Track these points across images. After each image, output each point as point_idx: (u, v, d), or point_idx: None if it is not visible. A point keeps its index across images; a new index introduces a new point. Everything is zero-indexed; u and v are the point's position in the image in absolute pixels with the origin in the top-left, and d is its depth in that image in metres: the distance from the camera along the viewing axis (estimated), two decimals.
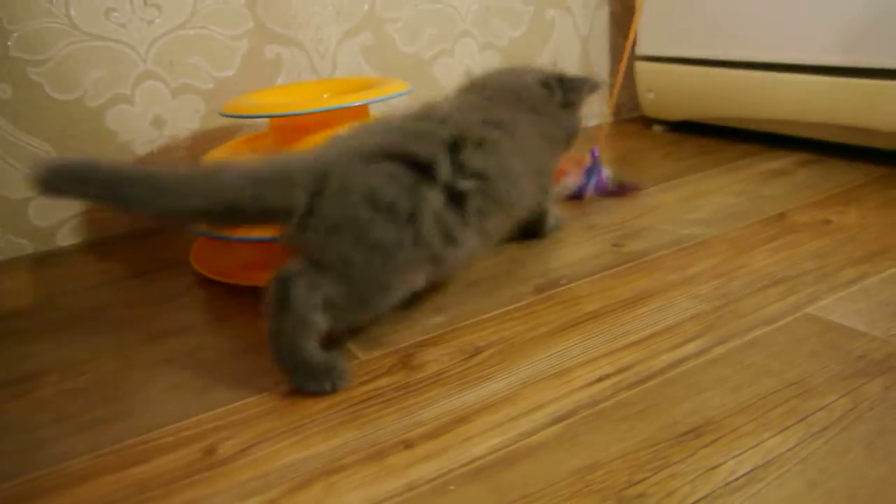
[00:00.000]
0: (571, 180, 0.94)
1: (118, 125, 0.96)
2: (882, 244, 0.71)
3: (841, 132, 1.01)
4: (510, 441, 0.47)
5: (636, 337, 0.58)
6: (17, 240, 0.94)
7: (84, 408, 0.56)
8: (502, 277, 0.72)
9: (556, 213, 0.82)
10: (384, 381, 0.55)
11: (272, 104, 0.84)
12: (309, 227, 0.55)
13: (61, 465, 0.49)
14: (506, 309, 0.65)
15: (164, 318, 0.71)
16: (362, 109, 0.84)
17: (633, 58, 1.30)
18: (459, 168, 0.60)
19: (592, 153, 0.93)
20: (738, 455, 0.44)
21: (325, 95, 0.90)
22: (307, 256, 0.56)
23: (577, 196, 0.94)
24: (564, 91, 0.75)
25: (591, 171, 0.94)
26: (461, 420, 0.50)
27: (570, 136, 0.78)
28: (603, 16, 1.37)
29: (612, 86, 1.33)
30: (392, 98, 0.79)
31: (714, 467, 0.43)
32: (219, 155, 0.86)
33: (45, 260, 0.92)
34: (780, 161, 1.04)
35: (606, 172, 0.95)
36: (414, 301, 0.68)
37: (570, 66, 1.35)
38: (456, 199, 0.59)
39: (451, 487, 0.43)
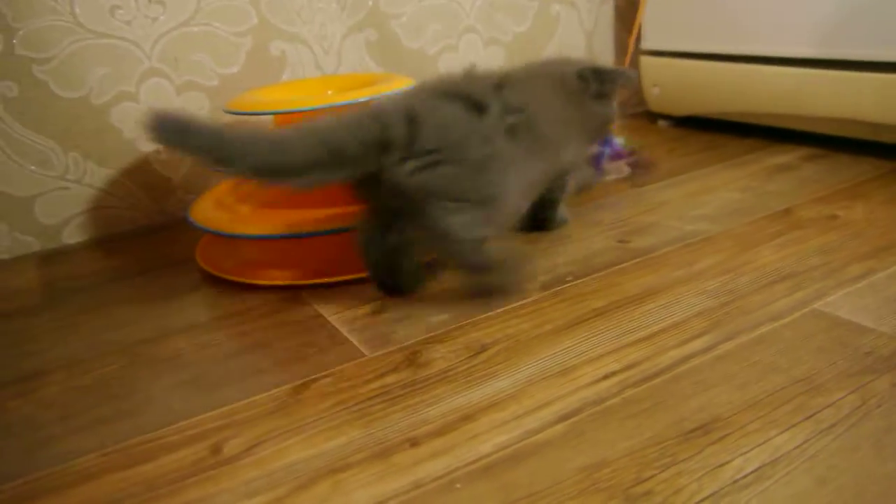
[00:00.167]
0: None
1: (123, 122, 0.96)
2: (889, 239, 0.71)
3: (847, 126, 1.00)
4: (516, 439, 0.47)
5: (643, 334, 0.58)
6: (23, 237, 0.94)
7: (90, 406, 0.56)
8: None
9: (564, 208, 0.83)
10: (390, 379, 0.55)
11: (276, 101, 0.84)
12: (413, 154, 0.60)
13: (67, 463, 0.49)
14: (511, 306, 0.65)
15: (170, 316, 0.71)
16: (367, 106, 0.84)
17: (638, 52, 1.29)
18: (505, 106, 0.66)
19: None
20: (746, 452, 0.43)
21: (329, 92, 0.90)
22: (400, 197, 0.60)
23: (595, 162, 0.96)
24: (600, 82, 0.78)
25: (605, 140, 0.97)
26: (467, 418, 0.50)
27: (603, 124, 0.82)
28: (608, 10, 1.36)
29: None
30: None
31: (722, 465, 0.43)
32: None
33: (52, 257, 0.92)
34: (786, 156, 1.03)
35: (619, 140, 0.99)
36: (419, 298, 0.68)
37: None
38: (509, 132, 0.66)
39: (458, 486, 0.43)
